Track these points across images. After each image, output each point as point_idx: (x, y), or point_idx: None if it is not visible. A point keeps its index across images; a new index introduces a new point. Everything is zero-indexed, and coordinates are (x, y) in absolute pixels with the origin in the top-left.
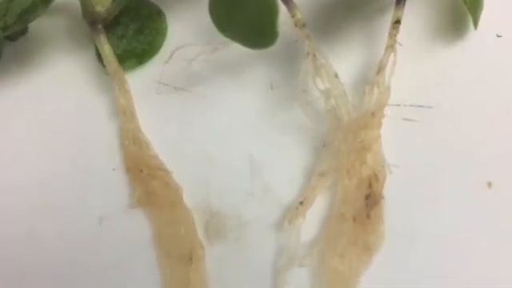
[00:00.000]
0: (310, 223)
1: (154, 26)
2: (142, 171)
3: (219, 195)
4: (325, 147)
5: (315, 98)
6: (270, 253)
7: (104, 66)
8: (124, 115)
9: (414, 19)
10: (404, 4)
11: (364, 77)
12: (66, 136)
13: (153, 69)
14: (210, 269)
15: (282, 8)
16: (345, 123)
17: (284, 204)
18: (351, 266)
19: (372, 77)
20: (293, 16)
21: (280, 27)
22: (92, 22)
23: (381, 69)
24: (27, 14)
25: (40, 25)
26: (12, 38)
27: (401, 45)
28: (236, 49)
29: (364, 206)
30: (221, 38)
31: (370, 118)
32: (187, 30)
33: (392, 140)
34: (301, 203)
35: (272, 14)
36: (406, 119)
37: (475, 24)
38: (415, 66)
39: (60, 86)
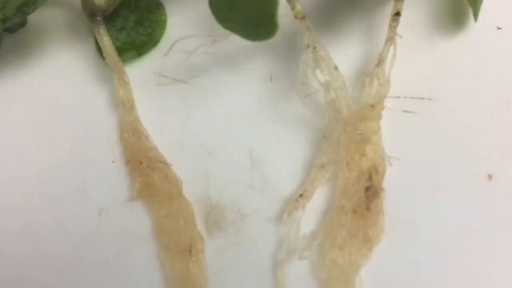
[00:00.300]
0: (310, 216)
1: (153, 18)
2: (141, 163)
3: (219, 187)
4: (324, 139)
5: (315, 91)
6: (270, 245)
7: (103, 58)
8: (123, 107)
9: (414, 11)
10: None
11: (364, 69)
12: (65, 128)
13: (152, 61)
14: (209, 261)
15: (282, 0)
16: (345, 115)
17: (284, 196)
18: (351, 259)
19: (372, 69)
20: (293, 8)
21: (280, 19)
22: (91, 13)
23: (381, 61)
24: (26, 6)
25: (39, 17)
26: (11, 30)
27: (401, 37)
28: (236, 41)
29: (364, 198)
30: (220, 30)
31: (370, 110)
32: (187, 22)
33: (392, 132)
34: (300, 195)
35: (272, 5)
36: (406, 111)
37: (475, 16)
38: (415, 58)
39: (59, 78)
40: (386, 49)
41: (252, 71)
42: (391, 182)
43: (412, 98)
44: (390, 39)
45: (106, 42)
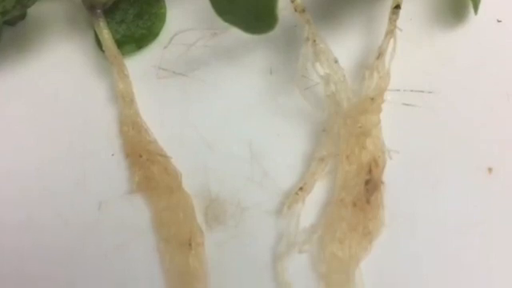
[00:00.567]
0: (310, 209)
1: (153, 10)
2: (141, 156)
3: (218, 181)
4: (324, 132)
5: (315, 83)
6: (270, 238)
7: (103, 51)
8: (123, 100)
9: (414, 4)
10: None
11: (364, 62)
12: (64, 121)
13: (152, 54)
14: (209, 254)
15: None
16: (344, 108)
17: (283, 189)
18: (351, 252)
19: (372, 62)
20: (292, 1)
21: (279, 12)
22: (91, 6)
23: (381, 54)
24: None
25: (39, 10)
26: (11, 23)
27: (401, 30)
28: (235, 34)
29: (364, 191)
30: (220, 23)
31: (370, 104)
32: (186, 15)
33: (392, 125)
34: (300, 189)
35: None
36: (406, 104)
37: (475, 9)
38: (415, 51)
39: (59, 71)
40: (385, 42)
41: (252, 64)
42: (391, 176)
43: (412, 91)
44: (390, 32)
45: (106, 34)
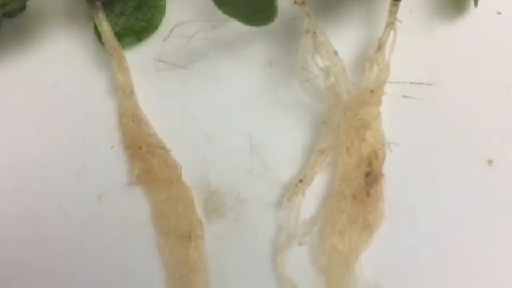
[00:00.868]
0: (310, 201)
1: (152, 3)
2: (140, 149)
3: (218, 173)
4: (324, 125)
5: (315, 76)
6: (269, 231)
7: (102, 44)
8: (123, 93)
9: None
10: None
11: (364, 54)
12: (64, 114)
13: (151, 46)
14: (209, 247)
15: None
16: (344, 101)
17: (283, 182)
18: (351, 244)
19: (372, 54)
20: None
21: (279, 4)
22: None
23: (380, 46)
24: None
25: (38, 2)
26: (10, 15)
27: (401, 22)
28: (235, 26)
29: (364, 183)
30: (220, 15)
31: (370, 96)
32: (186, 7)
33: (392, 118)
34: (300, 181)
35: None
36: (406, 97)
37: (475, 1)
38: (415, 43)
39: (58, 64)
40: (385, 34)
41: (251, 56)
42: (391, 168)
43: (412, 83)
44: (390, 24)
45: (105, 27)
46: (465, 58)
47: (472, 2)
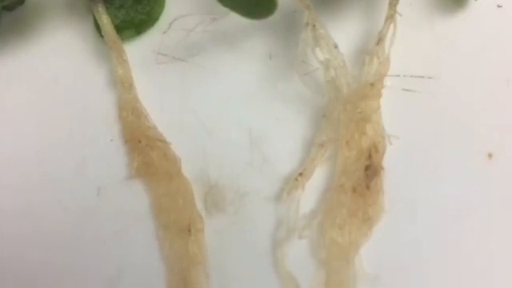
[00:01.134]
0: (310, 195)
1: None
2: (140, 142)
3: (218, 166)
4: (324, 118)
5: (314, 69)
6: (269, 224)
7: (102, 37)
8: (122, 86)
9: None
10: None
11: (364, 47)
12: (63, 107)
13: (151, 39)
14: (208, 240)
15: None
16: (344, 94)
17: (283, 175)
18: (351, 238)
19: (372, 47)
20: None
21: None
22: None
23: (380, 39)
24: None
25: None
26: (10, 8)
27: (401, 15)
28: (235, 19)
29: (364, 177)
30: (220, 8)
31: (370, 89)
32: (185, 0)
33: (392, 111)
34: (300, 174)
35: None
36: (406, 90)
37: None
38: (415, 36)
39: (58, 57)
40: (385, 27)
41: (251, 49)
42: (391, 161)
43: (412, 76)
44: (390, 17)
45: (105, 20)
46: (465, 51)
47: None
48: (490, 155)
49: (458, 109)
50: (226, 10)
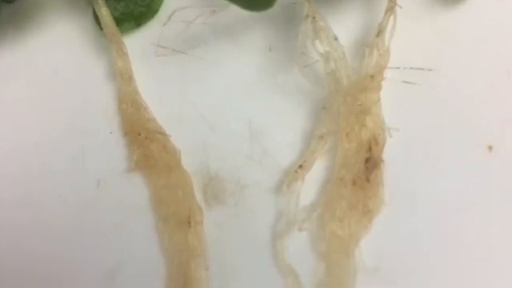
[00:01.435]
0: (309, 187)
1: None
2: (139, 134)
3: (218, 159)
4: (324, 110)
5: (314, 61)
6: (269, 217)
7: (101, 29)
8: (122, 78)
9: None
10: None
11: (364, 39)
12: (63, 99)
13: (151, 31)
14: (208, 233)
15: None
16: (344, 86)
17: (283, 167)
18: (351, 230)
19: (372, 39)
20: None
21: None
22: None
23: (380, 31)
24: None
25: None
26: (9, 1)
27: (401, 7)
28: (234, 11)
29: (364, 169)
30: (219, 0)
31: (370, 81)
32: None
33: (392, 103)
34: (300, 167)
35: None
36: (406, 82)
37: None
38: (415, 28)
39: (57, 49)
40: (385, 19)
41: (251, 42)
42: (391, 153)
43: (412, 68)
44: (390, 9)
45: (104, 12)
46: (465, 43)
47: None
48: (490, 148)
49: (458, 101)
50: (225, 2)
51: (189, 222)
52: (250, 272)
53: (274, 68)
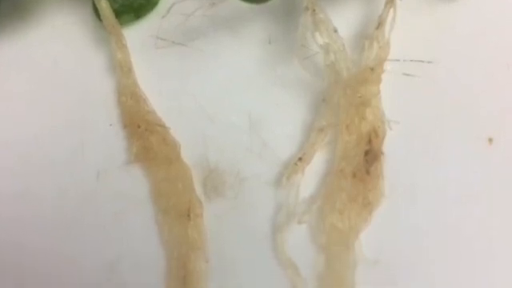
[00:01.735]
0: (309, 179)
1: None
2: (139, 127)
3: (217, 151)
4: (324, 102)
5: (314, 53)
6: (269, 209)
7: (101, 21)
8: (121, 70)
9: None
10: None
11: (363, 32)
12: (63, 91)
13: (150, 23)
14: (208, 225)
15: None
16: (344, 78)
17: (283, 160)
18: (350, 223)
19: (371, 32)
20: None
21: None
22: None
23: (380, 23)
24: None
25: None
26: None
27: None
28: (234, 3)
29: (363, 161)
30: None
31: (370, 74)
32: None
33: (392, 95)
34: (300, 159)
35: None
36: (406, 74)
37: None
38: (415, 20)
39: (57, 41)
40: (385, 11)
41: (250, 34)
42: (391, 146)
43: (412, 60)
44: (390, 1)
45: (104, 4)
46: (465, 35)
47: None
48: (490, 140)
49: (458, 93)
50: None
51: (188, 215)
52: (250, 264)
53: (273, 60)
